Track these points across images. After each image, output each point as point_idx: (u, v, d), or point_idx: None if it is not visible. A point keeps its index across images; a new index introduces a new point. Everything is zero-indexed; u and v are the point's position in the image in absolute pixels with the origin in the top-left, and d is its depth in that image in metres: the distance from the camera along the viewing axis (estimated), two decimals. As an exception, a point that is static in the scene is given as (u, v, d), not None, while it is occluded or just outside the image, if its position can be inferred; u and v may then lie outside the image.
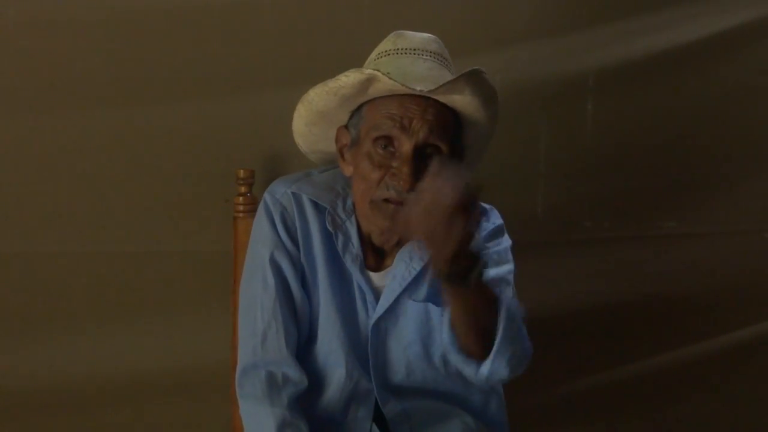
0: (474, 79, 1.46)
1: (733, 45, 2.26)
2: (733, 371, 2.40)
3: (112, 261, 1.94)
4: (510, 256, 1.63)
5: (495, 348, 1.44)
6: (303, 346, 1.60)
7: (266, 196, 1.61)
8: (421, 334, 1.61)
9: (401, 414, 1.60)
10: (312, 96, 1.56)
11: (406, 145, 1.47)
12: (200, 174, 1.95)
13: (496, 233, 1.64)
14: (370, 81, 1.47)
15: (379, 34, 1.61)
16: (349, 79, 1.48)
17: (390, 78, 1.44)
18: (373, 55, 1.57)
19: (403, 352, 1.61)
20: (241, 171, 1.88)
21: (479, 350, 1.46)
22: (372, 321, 1.58)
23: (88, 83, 1.89)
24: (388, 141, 1.49)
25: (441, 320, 1.59)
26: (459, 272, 1.35)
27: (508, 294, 1.55)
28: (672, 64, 2.22)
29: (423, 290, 1.60)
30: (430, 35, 1.57)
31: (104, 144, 1.91)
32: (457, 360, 1.50)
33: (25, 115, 1.87)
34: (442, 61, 1.55)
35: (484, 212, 1.66)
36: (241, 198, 1.87)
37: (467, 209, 1.29)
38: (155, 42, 1.91)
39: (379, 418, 1.60)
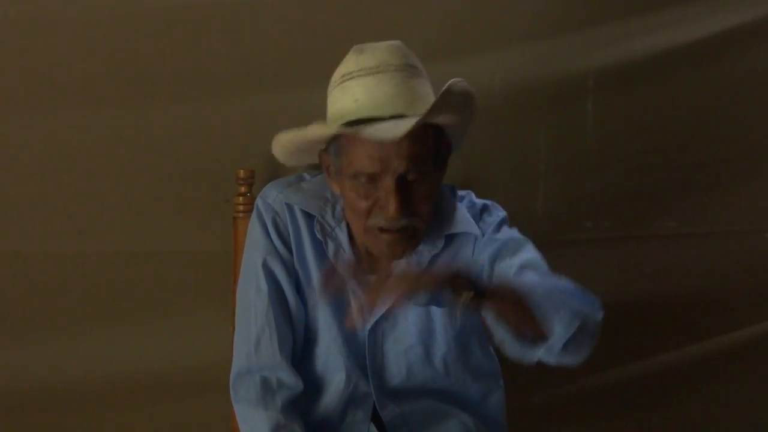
0: (442, 108, 1.40)
1: (733, 45, 2.26)
2: (733, 371, 2.40)
3: (112, 261, 1.94)
4: (522, 236, 1.60)
5: (548, 316, 1.36)
6: (301, 351, 1.60)
7: (258, 201, 1.61)
8: (422, 336, 1.60)
9: (399, 417, 1.60)
10: (282, 138, 1.54)
11: (388, 180, 1.45)
12: (200, 174, 1.95)
13: (500, 225, 1.62)
14: (338, 132, 1.45)
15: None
16: (315, 133, 1.47)
17: (356, 134, 1.41)
18: (336, 76, 1.51)
19: (403, 355, 1.60)
20: (241, 171, 1.88)
21: (540, 333, 1.38)
22: (368, 326, 1.58)
23: (88, 83, 1.89)
24: (370, 177, 1.46)
25: (443, 320, 1.60)
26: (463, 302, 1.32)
27: (530, 277, 1.48)
28: (672, 64, 2.22)
29: (423, 295, 1.59)
30: (391, 44, 1.50)
31: (104, 144, 1.91)
32: (531, 351, 1.40)
33: (25, 115, 1.87)
34: (408, 71, 1.48)
35: (486, 207, 1.65)
36: (241, 198, 1.87)
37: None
38: (155, 42, 1.91)
39: (376, 421, 1.60)
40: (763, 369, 2.44)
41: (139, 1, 1.89)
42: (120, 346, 1.96)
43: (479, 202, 1.66)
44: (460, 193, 1.67)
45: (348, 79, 1.48)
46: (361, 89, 1.46)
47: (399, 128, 1.38)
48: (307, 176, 1.66)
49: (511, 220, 1.68)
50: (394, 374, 1.61)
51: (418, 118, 1.38)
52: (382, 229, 1.48)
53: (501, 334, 1.41)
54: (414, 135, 1.40)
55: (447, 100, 1.39)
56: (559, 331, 1.36)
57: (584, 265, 2.24)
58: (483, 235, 1.60)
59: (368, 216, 1.48)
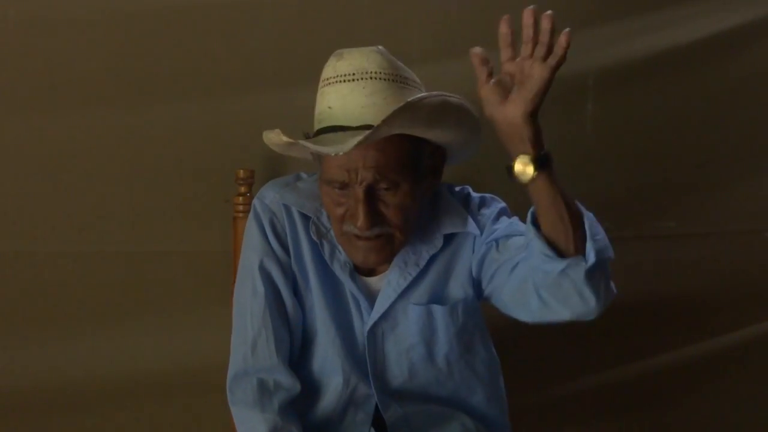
0: (400, 117, 1.36)
1: (733, 45, 2.26)
2: (733, 371, 2.40)
3: (112, 261, 1.94)
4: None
5: (587, 232, 1.36)
6: (299, 353, 1.60)
7: (256, 201, 1.60)
8: (423, 336, 1.60)
9: (401, 418, 1.59)
10: (265, 138, 1.54)
11: (357, 190, 1.44)
12: (200, 174, 1.95)
13: (499, 215, 1.61)
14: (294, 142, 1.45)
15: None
16: (277, 139, 1.49)
17: (306, 145, 1.42)
18: (321, 80, 1.51)
19: (404, 355, 1.60)
20: (241, 171, 1.88)
21: (574, 243, 1.37)
22: (367, 327, 1.57)
23: (88, 83, 1.89)
24: (342, 185, 1.46)
25: (445, 319, 1.59)
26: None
27: None
28: (672, 64, 2.22)
29: (423, 293, 1.59)
30: (371, 49, 1.47)
31: (104, 144, 1.91)
32: (557, 265, 1.37)
33: (25, 115, 1.87)
34: (386, 79, 1.44)
35: (483, 201, 1.64)
36: (241, 198, 1.87)
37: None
38: (155, 42, 1.91)
39: (377, 422, 1.59)
40: (763, 369, 2.44)
41: (139, 1, 1.89)
42: (120, 346, 1.96)
43: (477, 195, 1.65)
44: (457, 188, 1.67)
45: (326, 85, 1.48)
46: (334, 96, 1.45)
47: (348, 143, 1.37)
48: (304, 175, 1.65)
49: (511, 220, 1.68)
50: (396, 375, 1.60)
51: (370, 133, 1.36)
52: (356, 236, 1.48)
53: (533, 234, 1.39)
54: (380, 146, 1.41)
55: (400, 115, 1.36)
56: (592, 251, 1.35)
57: (584, 265, 2.23)
58: (481, 232, 1.59)
59: (342, 222, 1.48)
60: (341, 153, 1.37)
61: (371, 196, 1.44)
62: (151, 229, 1.95)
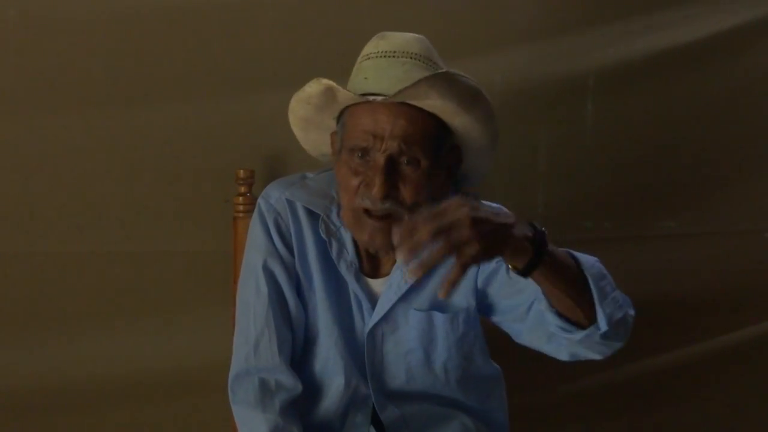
0: (439, 83, 1.40)
1: (733, 45, 2.26)
2: (733, 371, 2.40)
3: (112, 261, 1.94)
4: None
5: (596, 297, 1.36)
6: (301, 353, 1.60)
7: (260, 201, 1.60)
8: (423, 341, 1.59)
9: (399, 419, 1.59)
10: (292, 105, 1.55)
11: (378, 157, 1.45)
12: (200, 174, 1.95)
13: None
14: (331, 90, 1.46)
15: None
16: (312, 89, 1.48)
17: (346, 90, 1.44)
18: (359, 58, 1.54)
19: (403, 358, 1.60)
20: (241, 171, 1.88)
21: (584, 312, 1.38)
22: (367, 328, 1.57)
23: (88, 83, 1.89)
24: (363, 151, 1.46)
25: (445, 326, 1.59)
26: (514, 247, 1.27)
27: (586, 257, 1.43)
28: (672, 64, 2.22)
29: (425, 299, 1.59)
30: (414, 35, 1.52)
31: (104, 144, 1.91)
32: (572, 334, 1.40)
33: (25, 115, 1.87)
34: (424, 62, 1.49)
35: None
36: (241, 198, 1.87)
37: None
38: (155, 42, 1.91)
39: (377, 423, 1.59)
40: (764, 369, 2.44)
41: (139, 1, 1.89)
42: (120, 346, 1.96)
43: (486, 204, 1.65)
44: (468, 194, 1.66)
45: (365, 60, 1.51)
46: (372, 69, 1.48)
47: (390, 92, 1.40)
48: (310, 175, 1.64)
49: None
50: (393, 376, 1.60)
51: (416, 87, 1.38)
52: (367, 212, 1.47)
53: (544, 306, 1.40)
54: (410, 117, 1.43)
55: (446, 78, 1.40)
56: (603, 318, 1.37)
57: (584, 265, 2.24)
58: None
59: (355, 194, 1.48)
60: (387, 94, 1.39)
61: (391, 166, 1.45)
62: (151, 229, 1.95)
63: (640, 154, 2.25)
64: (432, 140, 1.47)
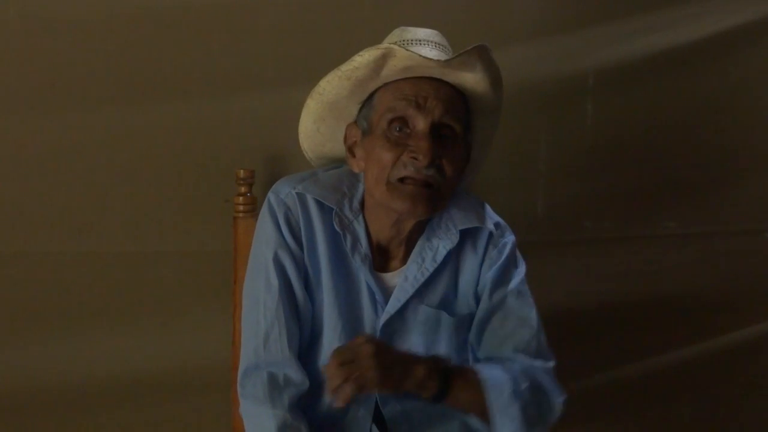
0: (484, 55, 1.47)
1: (733, 45, 2.26)
2: (733, 371, 2.40)
3: (112, 261, 1.94)
4: (524, 285, 1.63)
5: (496, 423, 1.49)
6: (306, 347, 1.60)
7: (270, 195, 1.60)
8: (426, 340, 1.60)
9: (401, 415, 1.60)
10: (323, 86, 1.55)
11: (422, 123, 1.48)
12: (200, 174, 1.95)
13: (513, 249, 1.64)
14: (384, 58, 1.47)
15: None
16: (363, 58, 1.49)
17: (407, 49, 1.46)
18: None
19: None
20: (241, 171, 1.88)
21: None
22: (382, 321, 1.58)
23: (88, 83, 1.89)
24: (402, 122, 1.49)
25: (450, 329, 1.61)
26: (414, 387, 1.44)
27: (493, 373, 1.53)
28: (672, 64, 2.22)
29: (436, 296, 1.60)
30: (433, 30, 1.59)
31: (104, 144, 1.91)
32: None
33: (25, 115, 1.87)
34: (447, 51, 1.56)
35: (498, 225, 1.65)
36: (241, 198, 1.87)
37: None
38: (155, 42, 1.91)
39: (379, 418, 1.60)
40: (764, 369, 2.44)
41: (139, 1, 1.89)
42: (120, 346, 1.96)
43: (494, 216, 1.67)
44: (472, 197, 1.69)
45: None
46: (401, 50, 1.48)
47: (431, 64, 1.46)
48: (320, 171, 1.65)
49: (511, 220, 1.68)
50: None
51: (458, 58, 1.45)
52: (405, 179, 1.49)
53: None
54: (451, 91, 1.51)
55: (487, 51, 1.47)
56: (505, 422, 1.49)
57: (584, 265, 2.24)
58: (486, 249, 1.62)
59: (393, 167, 1.49)
60: (441, 61, 1.45)
61: (435, 136, 1.48)
62: (151, 229, 1.95)
63: (640, 154, 2.25)
64: (465, 118, 1.54)
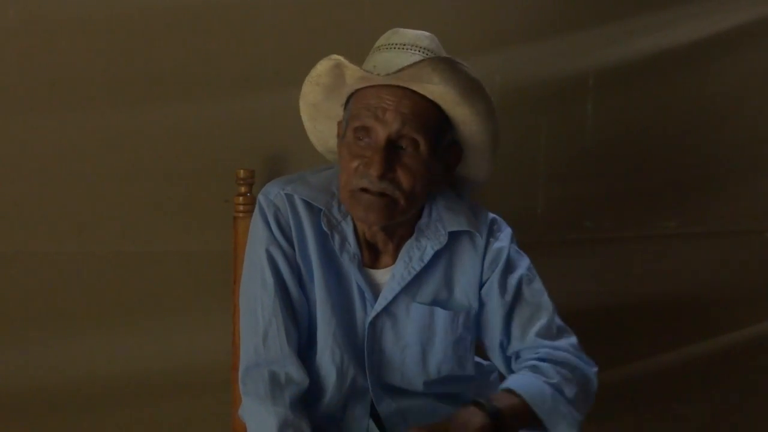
0: (442, 67, 1.45)
1: (733, 45, 2.26)
2: (733, 371, 2.40)
3: (112, 261, 1.94)
4: (533, 271, 1.65)
5: None
6: (304, 345, 1.60)
7: (260, 197, 1.61)
8: (421, 337, 1.61)
9: (396, 412, 1.61)
10: (303, 89, 1.59)
11: (380, 135, 1.49)
12: (200, 174, 1.95)
13: (511, 256, 1.64)
14: (339, 67, 1.50)
15: (378, 34, 1.61)
16: (321, 66, 1.53)
17: (352, 63, 1.47)
18: (371, 51, 1.59)
19: (400, 353, 1.61)
20: (241, 171, 1.88)
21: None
22: (369, 318, 1.58)
23: (88, 83, 1.89)
24: (365, 132, 1.50)
25: (445, 326, 1.61)
26: None
27: (533, 385, 1.54)
28: (672, 64, 2.22)
29: (428, 292, 1.60)
30: (425, 33, 1.57)
31: (104, 144, 1.91)
32: None
33: (25, 115, 1.87)
34: (432, 56, 1.52)
35: (494, 221, 1.66)
36: (241, 198, 1.87)
37: None
38: (155, 42, 1.91)
39: (376, 415, 1.61)
40: (764, 369, 2.44)
41: (139, 1, 1.89)
42: (120, 346, 1.96)
43: (490, 214, 1.68)
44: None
45: (375, 51, 1.56)
46: (381, 58, 1.53)
47: (394, 67, 1.46)
48: (309, 173, 1.66)
49: (511, 220, 1.68)
50: (389, 370, 1.61)
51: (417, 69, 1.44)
52: (363, 189, 1.51)
53: None
54: (413, 100, 1.49)
55: (447, 63, 1.45)
56: None
57: (584, 265, 2.24)
58: (485, 238, 1.62)
59: (354, 176, 1.51)
60: (390, 72, 1.45)
61: (390, 149, 1.49)
62: (151, 229, 1.95)
63: (640, 154, 2.25)
64: (433, 127, 1.51)
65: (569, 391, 1.54)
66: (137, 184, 1.93)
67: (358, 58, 1.57)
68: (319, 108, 1.61)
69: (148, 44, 1.90)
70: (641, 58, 2.20)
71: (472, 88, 1.49)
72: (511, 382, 1.54)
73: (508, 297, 1.61)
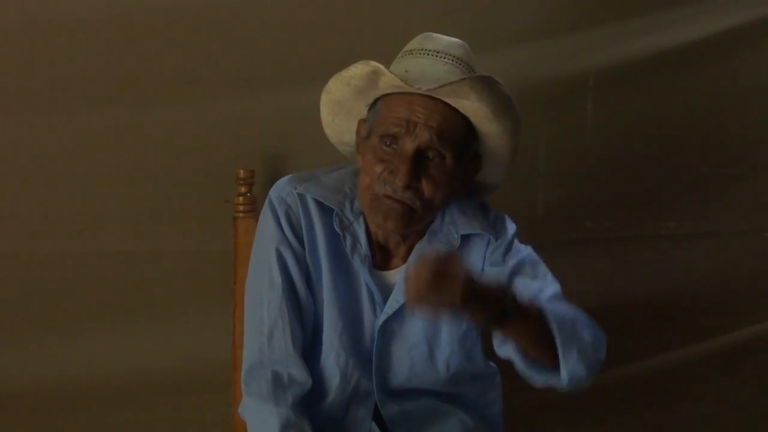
0: (480, 86, 1.45)
1: (733, 45, 2.26)
2: (733, 371, 2.40)
3: (112, 261, 1.94)
4: (535, 255, 1.64)
5: (560, 355, 1.44)
6: (308, 346, 1.60)
7: (271, 194, 1.60)
8: (427, 335, 1.61)
9: (399, 415, 1.60)
10: (330, 85, 1.57)
11: (408, 146, 1.48)
12: (200, 174, 1.95)
13: (513, 237, 1.64)
14: (376, 74, 1.48)
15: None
16: (357, 69, 1.50)
17: (392, 73, 1.46)
18: (401, 53, 1.58)
19: (407, 353, 1.60)
20: (241, 171, 1.88)
21: (551, 360, 1.47)
22: (380, 321, 1.58)
23: (88, 83, 1.89)
24: (393, 140, 1.49)
25: (449, 322, 1.60)
26: (490, 312, 1.39)
27: (555, 306, 1.52)
28: (672, 64, 2.22)
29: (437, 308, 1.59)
30: (457, 40, 1.56)
31: (104, 144, 1.91)
32: (538, 377, 1.51)
33: (25, 115, 1.87)
34: (464, 67, 1.53)
35: (498, 217, 1.66)
36: (241, 198, 1.87)
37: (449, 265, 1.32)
38: (155, 42, 1.91)
39: (379, 417, 1.60)
40: (764, 369, 2.44)
41: (139, 1, 1.89)
42: (120, 346, 1.96)
43: (493, 211, 1.68)
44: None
45: (406, 55, 1.56)
46: (414, 63, 1.52)
47: (431, 83, 1.44)
48: (322, 172, 1.65)
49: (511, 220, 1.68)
50: (397, 372, 1.61)
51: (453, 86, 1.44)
52: (386, 196, 1.50)
53: (510, 353, 1.50)
54: (444, 113, 1.48)
55: (486, 82, 1.45)
56: (565, 369, 1.45)
57: (584, 265, 2.24)
58: (496, 239, 1.62)
59: (378, 181, 1.50)
60: (429, 87, 1.44)
61: (418, 158, 1.49)
62: (151, 229, 1.95)
63: (640, 154, 2.25)
64: (460, 141, 1.52)
65: (589, 332, 1.50)
66: (137, 184, 1.93)
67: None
68: (342, 105, 1.59)
69: (148, 44, 1.90)
70: (641, 58, 2.20)
71: (505, 106, 1.51)
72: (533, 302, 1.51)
73: (512, 262, 1.61)
